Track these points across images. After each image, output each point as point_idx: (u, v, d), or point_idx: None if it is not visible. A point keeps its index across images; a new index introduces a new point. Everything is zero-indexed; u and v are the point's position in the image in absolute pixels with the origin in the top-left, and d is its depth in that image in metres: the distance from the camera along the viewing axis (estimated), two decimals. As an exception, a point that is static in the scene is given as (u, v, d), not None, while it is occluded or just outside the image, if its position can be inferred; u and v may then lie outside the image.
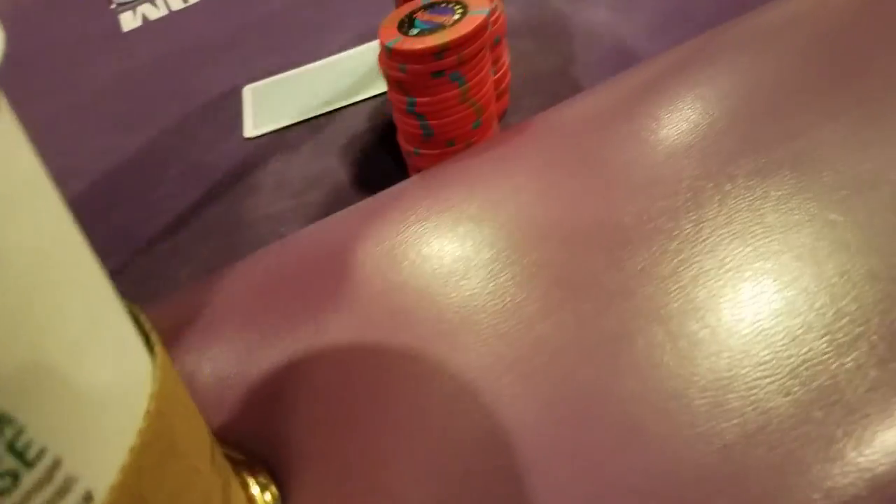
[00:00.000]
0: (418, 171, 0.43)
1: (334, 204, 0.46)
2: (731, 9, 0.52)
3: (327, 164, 0.50)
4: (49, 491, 0.14)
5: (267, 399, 0.29)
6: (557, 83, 0.52)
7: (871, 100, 0.33)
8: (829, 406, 0.23)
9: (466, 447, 0.25)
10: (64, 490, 0.14)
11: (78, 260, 0.16)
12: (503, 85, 0.49)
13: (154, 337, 0.19)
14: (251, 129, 0.57)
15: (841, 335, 0.25)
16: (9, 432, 0.13)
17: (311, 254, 0.34)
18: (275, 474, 0.26)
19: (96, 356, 0.16)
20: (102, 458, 0.15)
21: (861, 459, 0.22)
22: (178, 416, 0.18)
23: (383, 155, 0.50)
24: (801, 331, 0.25)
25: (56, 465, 0.14)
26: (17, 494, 0.13)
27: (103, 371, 0.16)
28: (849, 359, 0.24)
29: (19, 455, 0.13)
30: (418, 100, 0.39)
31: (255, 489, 0.25)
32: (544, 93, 0.51)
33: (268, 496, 0.25)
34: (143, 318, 0.20)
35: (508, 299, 0.29)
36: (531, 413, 0.26)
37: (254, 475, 0.25)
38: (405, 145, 0.43)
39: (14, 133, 0.14)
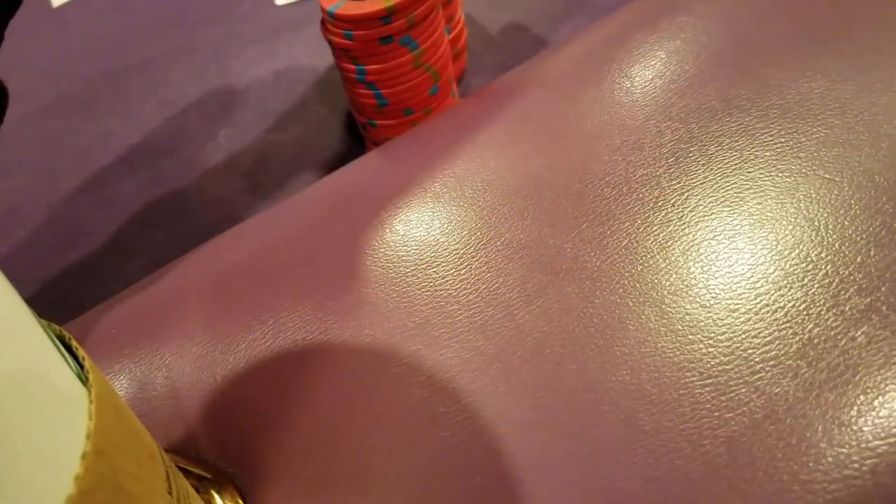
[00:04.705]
0: (375, 143, 0.40)
1: (289, 183, 0.43)
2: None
3: (277, 139, 0.47)
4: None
5: (228, 409, 0.26)
6: (518, 39, 0.49)
7: (856, 52, 0.31)
8: (841, 386, 0.21)
9: (449, 453, 0.23)
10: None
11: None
12: (460, 44, 0.46)
13: (88, 363, 0.16)
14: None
15: (848, 307, 0.23)
16: None
17: (267, 242, 0.32)
18: (241, 489, 0.24)
19: (16, 404, 0.13)
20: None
21: (879, 443, 0.20)
22: (122, 451, 0.16)
23: (337, 127, 0.47)
24: (804, 305, 0.23)
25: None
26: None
27: (26, 418, 0.13)
28: (859, 332, 0.22)
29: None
30: (367, 68, 0.36)
31: (220, 509, 0.22)
32: (505, 50, 0.49)
33: (235, 514, 0.22)
34: (73, 344, 0.17)
35: (483, 286, 0.27)
36: (516, 413, 0.23)
37: (219, 491, 0.23)
38: (359, 117, 0.40)
39: None
